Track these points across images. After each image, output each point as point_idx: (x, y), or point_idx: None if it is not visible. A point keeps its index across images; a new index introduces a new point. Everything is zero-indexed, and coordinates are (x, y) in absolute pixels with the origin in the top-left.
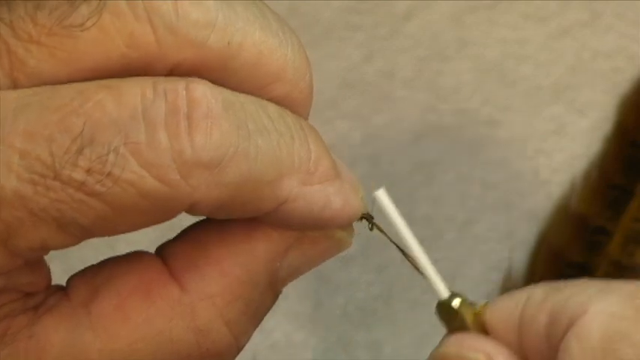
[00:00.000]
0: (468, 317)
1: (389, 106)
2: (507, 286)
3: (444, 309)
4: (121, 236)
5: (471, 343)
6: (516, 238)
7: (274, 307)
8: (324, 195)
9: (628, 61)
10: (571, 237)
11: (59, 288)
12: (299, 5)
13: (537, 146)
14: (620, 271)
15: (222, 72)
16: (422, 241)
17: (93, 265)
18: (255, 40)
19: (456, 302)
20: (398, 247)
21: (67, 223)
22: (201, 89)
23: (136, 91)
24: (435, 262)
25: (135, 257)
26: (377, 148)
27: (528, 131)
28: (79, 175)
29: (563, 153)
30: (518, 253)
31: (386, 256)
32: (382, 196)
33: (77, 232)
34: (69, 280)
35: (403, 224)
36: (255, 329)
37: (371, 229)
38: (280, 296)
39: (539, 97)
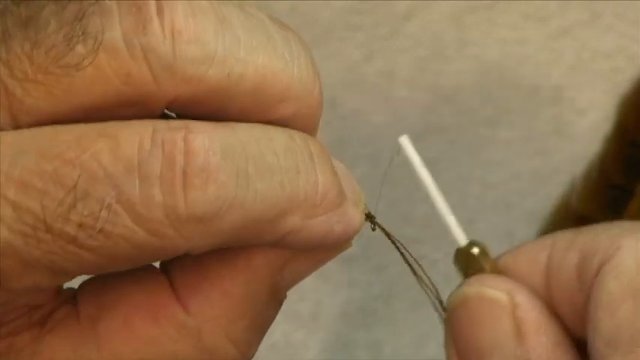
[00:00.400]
0: (487, 265)
1: (389, 106)
2: None
3: (462, 257)
4: None
5: (492, 282)
6: (516, 238)
7: None
8: (328, 225)
9: (628, 61)
10: None
11: (68, 297)
12: (299, 5)
13: (537, 146)
14: None
15: (223, 101)
16: (422, 241)
17: (102, 277)
18: (257, 66)
19: (475, 250)
20: (397, 247)
21: (58, 270)
22: (200, 140)
23: (134, 139)
24: (435, 262)
25: (143, 274)
26: (377, 148)
27: (528, 131)
28: (70, 229)
29: (563, 153)
30: None
31: (386, 256)
32: (405, 142)
33: (70, 276)
34: (78, 290)
35: (425, 171)
36: (262, 339)
37: (373, 229)
38: None
39: (539, 97)
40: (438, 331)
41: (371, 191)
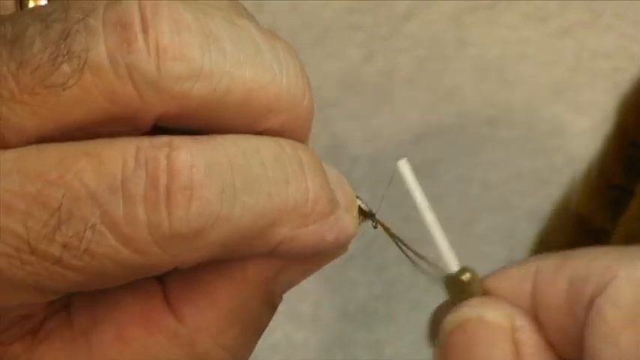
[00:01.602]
0: (478, 291)
1: (389, 106)
2: None
3: (453, 283)
4: None
5: (493, 305)
6: (516, 238)
7: None
8: (319, 234)
9: (628, 61)
10: (571, 237)
11: (62, 305)
12: (299, 5)
13: (537, 146)
14: None
15: (211, 115)
16: (421, 242)
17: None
18: (245, 79)
19: (466, 276)
20: (399, 245)
21: (45, 289)
22: (183, 157)
23: (118, 158)
24: (435, 262)
25: (137, 283)
26: (377, 148)
27: (528, 131)
28: (55, 250)
29: (563, 153)
30: (518, 253)
31: (386, 256)
32: (404, 167)
33: (57, 294)
34: (72, 298)
35: (421, 194)
36: (257, 342)
37: (375, 227)
38: None
39: (539, 97)
40: None
41: (371, 191)
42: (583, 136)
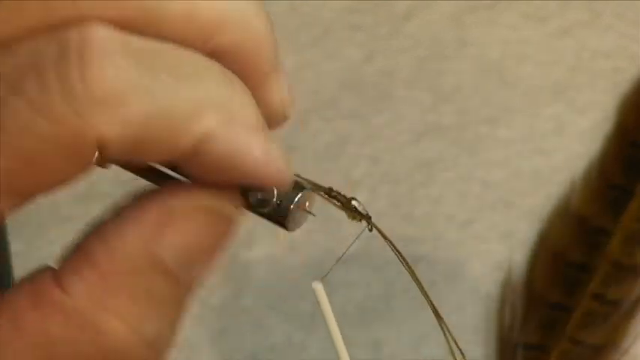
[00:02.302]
0: None
1: (389, 106)
2: (507, 286)
3: None
4: None
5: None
6: (516, 238)
7: (274, 307)
8: (247, 141)
9: (628, 61)
10: (571, 237)
11: None
12: (299, 5)
13: (537, 146)
14: (620, 271)
15: (152, 26)
16: (422, 242)
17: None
18: None
19: None
20: (396, 249)
21: None
22: (96, 29)
23: (29, 42)
24: (435, 262)
25: (34, 273)
26: (377, 148)
27: (528, 131)
28: None
29: (563, 153)
30: (518, 253)
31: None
32: (318, 288)
33: None
34: None
35: (333, 320)
36: (170, 324)
37: (370, 230)
38: (280, 296)
39: (539, 97)
40: (438, 331)
41: (371, 191)
42: (583, 136)
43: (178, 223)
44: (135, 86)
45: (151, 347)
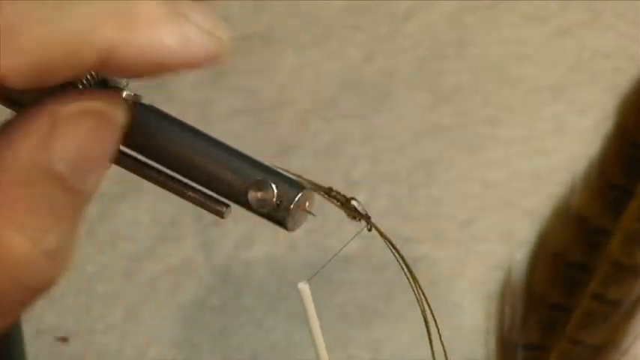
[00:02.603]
0: None
1: (389, 106)
2: (507, 286)
3: None
4: (122, 234)
5: None
6: (516, 238)
7: (274, 307)
8: (154, 37)
9: (628, 61)
10: (571, 237)
11: None
12: (300, 5)
13: (537, 146)
14: (620, 271)
15: None
16: (422, 241)
17: None
18: None
19: None
20: (395, 248)
21: None
22: None
23: None
24: (435, 262)
25: None
26: (377, 148)
27: (528, 131)
28: None
29: (563, 153)
30: (518, 253)
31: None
32: (304, 289)
33: None
34: None
35: (316, 322)
36: (69, 235)
37: (369, 230)
38: (280, 296)
39: (539, 97)
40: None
41: (371, 191)
42: (583, 136)
43: (65, 128)
44: (23, 16)
45: (52, 259)
